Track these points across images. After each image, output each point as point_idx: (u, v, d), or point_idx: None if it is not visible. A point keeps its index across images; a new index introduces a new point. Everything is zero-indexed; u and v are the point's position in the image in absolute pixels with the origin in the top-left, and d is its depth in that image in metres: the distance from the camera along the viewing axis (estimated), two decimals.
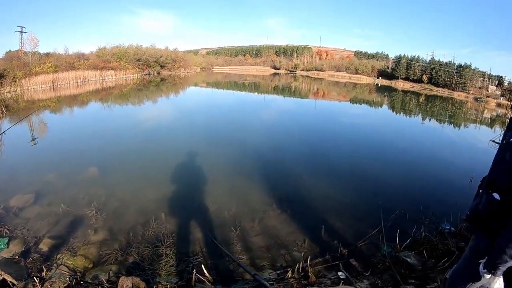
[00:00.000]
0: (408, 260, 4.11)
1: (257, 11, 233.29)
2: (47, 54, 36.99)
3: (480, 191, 2.06)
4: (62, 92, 27.52)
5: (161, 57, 55.80)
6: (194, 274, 3.47)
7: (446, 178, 9.05)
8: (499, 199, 1.86)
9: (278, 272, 3.84)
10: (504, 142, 1.96)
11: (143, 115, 16.86)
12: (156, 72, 53.27)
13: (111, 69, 41.12)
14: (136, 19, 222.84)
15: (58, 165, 7.93)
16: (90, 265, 4.03)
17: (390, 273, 3.83)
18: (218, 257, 4.18)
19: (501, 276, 1.86)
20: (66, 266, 3.92)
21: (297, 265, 3.71)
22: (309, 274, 3.59)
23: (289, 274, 3.67)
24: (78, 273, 3.81)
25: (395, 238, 4.44)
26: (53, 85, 30.05)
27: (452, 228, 5.40)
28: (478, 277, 1.94)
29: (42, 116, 15.70)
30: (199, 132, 12.10)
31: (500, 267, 1.78)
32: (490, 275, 1.85)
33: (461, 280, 2.09)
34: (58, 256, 4.12)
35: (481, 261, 1.91)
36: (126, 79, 41.92)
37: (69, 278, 3.58)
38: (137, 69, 48.06)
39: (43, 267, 3.77)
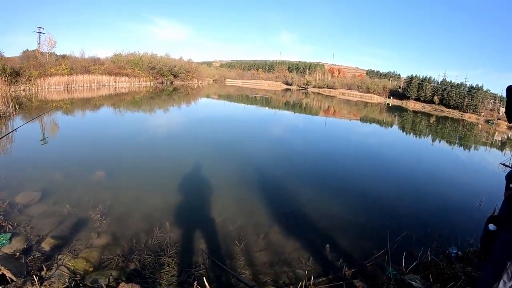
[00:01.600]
0: (413, 283, 4.02)
1: (271, 26, 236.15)
2: (63, 56, 37.94)
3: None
4: (75, 94, 27.99)
5: (175, 66, 56.86)
6: (195, 286, 3.43)
7: (455, 201, 8.93)
8: (493, 229, 2.19)
9: None
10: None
11: (153, 123, 17.02)
12: (169, 81, 54.14)
13: (125, 75, 41.96)
14: (152, 28, 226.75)
15: (66, 166, 8.00)
16: (91, 268, 4.00)
17: None
18: (220, 270, 4.12)
19: None
20: (66, 267, 3.89)
21: (300, 283, 3.63)
22: None
23: None
24: (78, 275, 3.78)
25: (401, 260, 4.36)
26: (67, 87, 30.64)
27: (460, 253, 5.30)
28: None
29: (54, 116, 15.94)
30: (208, 143, 12.11)
31: None
32: None
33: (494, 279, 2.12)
34: (60, 256, 4.11)
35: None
36: (139, 86, 42.58)
37: (69, 279, 3.56)
38: (150, 77, 49.02)
39: (44, 266, 3.77)
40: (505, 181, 2.14)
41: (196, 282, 3.49)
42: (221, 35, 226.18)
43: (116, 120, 16.85)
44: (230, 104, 34.11)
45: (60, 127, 13.61)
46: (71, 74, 32.27)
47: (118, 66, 42.95)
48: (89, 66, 37.07)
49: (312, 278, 3.73)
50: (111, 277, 3.76)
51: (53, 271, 3.72)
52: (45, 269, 3.66)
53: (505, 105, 2.13)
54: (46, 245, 4.35)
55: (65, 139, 11.55)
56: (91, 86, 34.08)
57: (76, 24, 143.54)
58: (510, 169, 15.87)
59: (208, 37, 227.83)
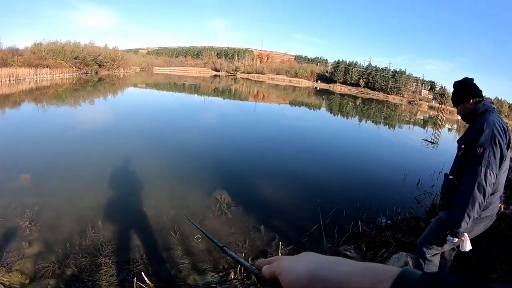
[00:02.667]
0: (348, 253, 4.32)
1: (200, 11, 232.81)
2: None
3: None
4: None
5: (99, 55, 53.24)
6: (135, 282, 3.40)
7: (382, 176, 9.60)
8: (452, 178, 2.58)
9: (221, 274, 3.85)
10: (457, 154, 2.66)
11: (78, 117, 15.93)
12: (94, 71, 50.78)
13: (47, 66, 38.36)
14: (75, 13, 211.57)
15: None
16: (27, 281, 3.76)
17: None
18: (159, 263, 4.10)
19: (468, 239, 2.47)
20: (1, 283, 3.66)
21: (239, 266, 3.75)
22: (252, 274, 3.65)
23: (232, 275, 3.70)
24: None
25: (334, 233, 4.65)
26: None
27: (389, 221, 5.76)
28: (442, 243, 2.61)
29: None
30: (136, 135, 11.58)
31: (458, 232, 2.39)
32: (456, 239, 2.43)
33: (428, 246, 2.72)
34: None
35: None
36: (62, 78, 39.39)
37: None
38: (74, 67, 45.31)
39: None
40: (457, 144, 2.67)
41: (135, 278, 3.47)
42: (148, 21, 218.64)
43: (38, 117, 15.52)
44: (158, 93, 33.02)
45: None
46: None
47: (38, 57, 38.97)
48: (7, 58, 33.49)
49: (249, 259, 3.87)
50: (49, 287, 3.62)
51: None
52: None
53: (451, 96, 2.81)
54: None
55: None
56: (9, 80, 30.93)
57: None
58: (431, 143, 17.21)
59: (134, 23, 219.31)
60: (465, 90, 2.68)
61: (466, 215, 2.34)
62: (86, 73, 48.53)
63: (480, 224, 2.56)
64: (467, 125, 2.67)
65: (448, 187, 2.63)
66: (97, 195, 6.08)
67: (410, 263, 3.58)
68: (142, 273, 3.45)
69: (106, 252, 4.24)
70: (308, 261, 0.55)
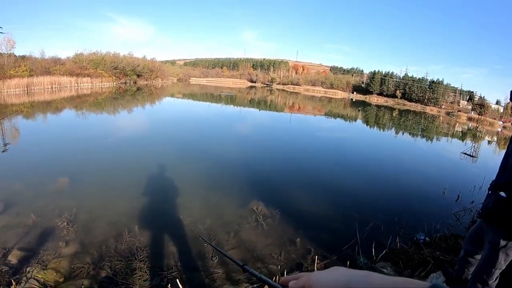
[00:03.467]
0: (385, 270, 4.17)
1: (233, 23, 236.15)
2: (23, 57, 36.07)
3: (489, 192, 2.65)
4: (36, 97, 26.76)
5: (138, 66, 55.47)
6: None
7: (420, 190, 9.28)
8: (505, 196, 2.38)
9: (255, 286, 3.79)
10: (508, 150, 2.53)
11: (117, 125, 16.54)
12: (132, 81, 52.80)
13: (87, 76, 40.38)
14: (114, 26, 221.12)
15: (29, 173, 7.64)
16: (62, 279, 3.87)
17: None
18: (193, 270, 4.10)
19: None
20: (36, 279, 3.75)
21: (274, 278, 3.67)
22: None
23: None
24: (48, 287, 3.67)
25: (371, 249, 4.49)
26: (27, 90, 29.25)
27: (427, 238, 5.52)
28: (501, 265, 2.53)
29: (15, 121, 15.20)
30: (173, 144, 11.90)
31: None
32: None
33: (487, 270, 2.61)
34: (28, 269, 3.93)
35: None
36: (102, 87, 41.19)
37: None
38: (113, 77, 47.46)
39: (12, 280, 3.59)
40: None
41: (169, 284, 3.47)
42: (185, 34, 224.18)
43: (78, 123, 16.25)
44: (194, 103, 33.65)
45: (21, 132, 13.01)
46: (31, 75, 30.68)
47: (79, 66, 41.22)
48: (50, 67, 35.37)
49: (285, 272, 3.79)
50: (83, 287, 3.67)
51: (22, 284, 3.58)
52: (14, 283, 3.50)
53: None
54: (13, 258, 4.15)
55: (27, 145, 11.04)
56: (52, 88, 32.53)
57: (35, 24, 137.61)
58: (470, 156, 16.59)
59: (171, 36, 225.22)
60: None
61: None
62: (125, 82, 50.44)
63: None
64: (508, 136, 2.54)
65: (501, 203, 2.45)
66: (133, 201, 6.23)
67: None
68: (177, 280, 3.43)
69: (141, 257, 4.29)
70: (339, 275, 0.58)
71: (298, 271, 4.10)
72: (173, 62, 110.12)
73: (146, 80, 57.75)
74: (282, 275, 3.73)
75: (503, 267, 2.58)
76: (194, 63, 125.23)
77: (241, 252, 4.55)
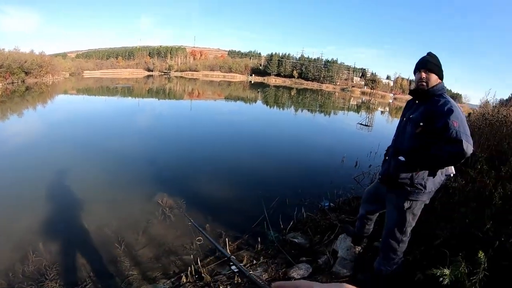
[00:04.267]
0: (296, 240, 4.44)
1: (127, 9, 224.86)
2: None
3: (387, 158, 2.92)
4: None
5: (25, 62, 48.91)
6: None
7: (321, 161, 10.03)
8: (404, 160, 2.59)
9: (172, 280, 3.82)
10: (404, 119, 2.74)
11: (6, 133, 14.68)
12: (20, 80, 46.78)
13: None
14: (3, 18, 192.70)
15: None
16: None
17: (281, 256, 4.10)
18: (108, 278, 3.96)
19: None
20: None
21: (189, 269, 3.74)
22: (203, 274, 3.66)
23: (184, 279, 3.68)
24: None
25: (279, 223, 4.77)
26: None
27: (332, 204, 6.00)
28: (410, 223, 2.76)
29: None
30: (66, 145, 10.43)
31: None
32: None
33: (399, 230, 2.79)
34: None
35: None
36: None
37: None
38: None
39: None
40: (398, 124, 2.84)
41: None
42: (76, 22, 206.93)
43: None
44: (89, 98, 30.87)
45: None
46: None
47: None
48: None
49: (199, 260, 3.87)
50: None
51: None
52: None
53: (431, 61, 2.62)
54: None
55: None
56: None
57: None
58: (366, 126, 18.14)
59: (61, 25, 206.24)
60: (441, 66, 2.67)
61: (438, 170, 2.54)
62: (12, 82, 44.32)
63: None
64: (403, 105, 2.84)
65: (402, 168, 2.63)
66: (32, 216, 5.56)
67: None
68: None
69: (52, 276, 3.99)
70: None
71: (212, 257, 4.22)
72: (64, 55, 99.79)
73: (36, 77, 50.91)
74: (197, 263, 3.81)
75: (413, 224, 2.79)
76: (87, 55, 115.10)
77: (153, 248, 4.50)
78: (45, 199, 6.17)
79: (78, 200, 6.10)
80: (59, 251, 4.49)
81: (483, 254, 2.14)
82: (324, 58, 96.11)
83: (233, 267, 3.94)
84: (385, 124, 24.54)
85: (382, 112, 38.07)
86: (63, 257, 4.37)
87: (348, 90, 75.76)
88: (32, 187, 6.87)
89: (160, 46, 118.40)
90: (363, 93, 70.97)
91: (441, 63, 2.62)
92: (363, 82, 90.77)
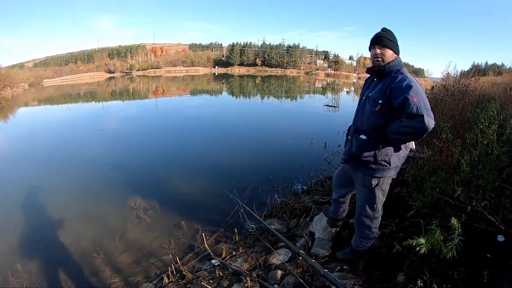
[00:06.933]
0: (273, 226, 4.48)
1: (82, 11, 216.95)
2: None
3: (349, 137, 2.95)
4: None
5: None
6: None
7: (291, 146, 10.18)
8: (366, 138, 2.63)
9: (155, 282, 3.85)
10: (363, 97, 2.79)
11: None
12: None
13: None
14: None
15: None
16: None
17: (260, 244, 4.17)
18: None
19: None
20: None
21: (170, 268, 3.77)
22: (184, 272, 3.69)
23: (166, 280, 3.71)
24: None
25: (254, 211, 4.82)
26: None
27: (304, 187, 6.15)
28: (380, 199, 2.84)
29: None
30: (31, 160, 9.79)
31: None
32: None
33: (370, 207, 2.86)
34: None
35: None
36: None
37: None
38: None
39: None
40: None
41: None
42: (30, 31, 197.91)
43: None
44: (52, 108, 29.51)
45: None
46: None
47: None
48: None
49: (178, 258, 3.89)
50: None
51: None
52: None
53: (386, 36, 2.60)
54: None
55: None
56: None
57: None
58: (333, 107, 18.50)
59: (15, 34, 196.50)
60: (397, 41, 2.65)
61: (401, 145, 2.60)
62: None
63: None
64: (362, 83, 2.87)
65: (364, 146, 2.67)
66: (5, 239, 5.32)
67: None
68: None
69: None
70: None
71: (191, 253, 4.26)
72: (21, 66, 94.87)
73: None
74: (177, 262, 3.83)
75: (383, 200, 2.85)
76: (45, 63, 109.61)
77: (132, 253, 4.50)
78: (16, 219, 5.88)
79: (51, 215, 5.89)
80: (38, 270, 4.38)
81: (456, 220, 2.23)
82: (286, 44, 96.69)
83: (213, 261, 4.00)
84: (352, 104, 24.97)
85: (347, 92, 38.86)
86: (43, 275, 4.27)
87: (312, 74, 76.87)
88: None
89: (120, 46, 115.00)
90: (327, 75, 72.20)
91: (397, 39, 2.61)
92: (326, 65, 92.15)
